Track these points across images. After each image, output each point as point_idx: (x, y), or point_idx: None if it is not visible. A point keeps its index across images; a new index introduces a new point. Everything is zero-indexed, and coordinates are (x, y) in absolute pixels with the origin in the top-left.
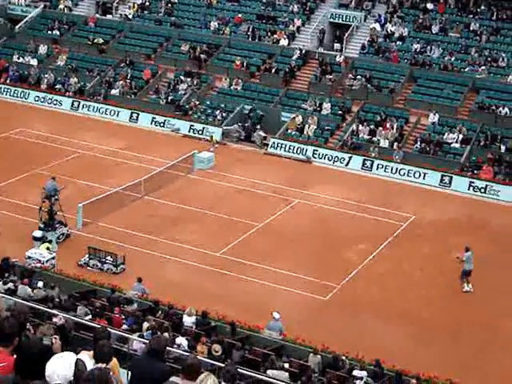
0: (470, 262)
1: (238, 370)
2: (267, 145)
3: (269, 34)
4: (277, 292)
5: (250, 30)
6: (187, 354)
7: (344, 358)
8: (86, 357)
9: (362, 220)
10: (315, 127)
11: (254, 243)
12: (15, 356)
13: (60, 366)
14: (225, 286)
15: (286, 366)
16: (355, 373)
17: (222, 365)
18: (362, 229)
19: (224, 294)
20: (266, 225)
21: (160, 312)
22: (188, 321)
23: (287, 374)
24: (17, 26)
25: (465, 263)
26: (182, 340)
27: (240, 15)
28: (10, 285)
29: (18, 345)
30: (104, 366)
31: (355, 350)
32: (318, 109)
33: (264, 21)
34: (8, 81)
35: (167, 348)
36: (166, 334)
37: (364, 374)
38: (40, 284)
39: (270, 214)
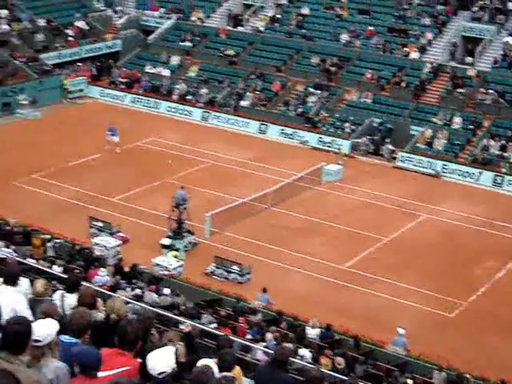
0: None
1: None
2: (396, 158)
3: (399, 46)
4: (402, 307)
5: (381, 42)
6: (310, 365)
7: (468, 376)
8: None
9: (491, 236)
10: (445, 141)
11: (380, 257)
12: (140, 360)
13: (161, 356)
14: (349, 299)
15: (410, 382)
16: None
17: (345, 378)
18: (490, 245)
19: (348, 307)
20: (392, 239)
21: (284, 323)
22: (312, 333)
23: None
24: (150, 37)
25: None
26: (305, 352)
27: (371, 28)
28: (138, 291)
29: (142, 349)
30: (229, 374)
31: (480, 369)
32: (448, 123)
33: (395, 34)
34: (140, 91)
35: (290, 359)
36: (289, 345)
37: None
38: (166, 291)
39: (397, 228)
